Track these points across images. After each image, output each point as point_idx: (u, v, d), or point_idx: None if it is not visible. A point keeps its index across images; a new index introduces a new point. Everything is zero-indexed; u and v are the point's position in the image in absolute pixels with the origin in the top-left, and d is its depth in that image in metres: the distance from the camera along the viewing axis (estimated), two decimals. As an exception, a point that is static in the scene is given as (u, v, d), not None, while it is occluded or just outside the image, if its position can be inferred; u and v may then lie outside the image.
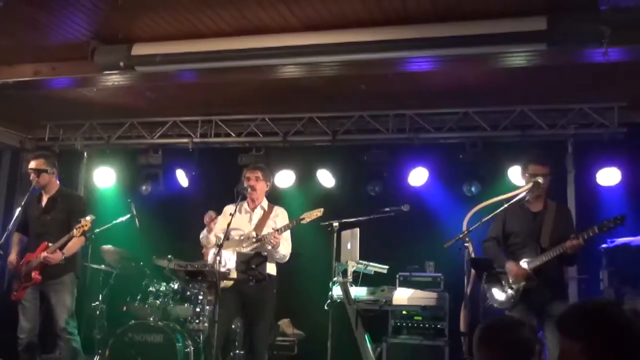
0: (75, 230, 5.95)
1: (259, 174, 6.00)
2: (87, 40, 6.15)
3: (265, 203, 6.05)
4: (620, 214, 4.86)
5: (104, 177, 8.74)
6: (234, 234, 5.77)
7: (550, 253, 5.07)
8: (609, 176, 6.89)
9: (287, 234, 5.91)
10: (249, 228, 5.87)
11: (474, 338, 2.59)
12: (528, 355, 2.56)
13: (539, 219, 5.34)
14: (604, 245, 6.43)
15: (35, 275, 5.99)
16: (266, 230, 5.84)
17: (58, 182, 6.39)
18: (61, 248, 6.01)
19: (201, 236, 6.12)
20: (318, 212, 5.80)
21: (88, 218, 6.05)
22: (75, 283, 6.25)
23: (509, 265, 5.24)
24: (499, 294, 5.23)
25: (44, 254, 5.96)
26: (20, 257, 6.24)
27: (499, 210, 5.15)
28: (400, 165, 7.71)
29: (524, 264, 5.17)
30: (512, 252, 5.36)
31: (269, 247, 5.66)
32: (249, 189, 5.86)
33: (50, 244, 6.01)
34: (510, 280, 5.19)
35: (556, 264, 5.17)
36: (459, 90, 6.96)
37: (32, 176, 6.28)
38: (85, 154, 8.95)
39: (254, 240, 5.71)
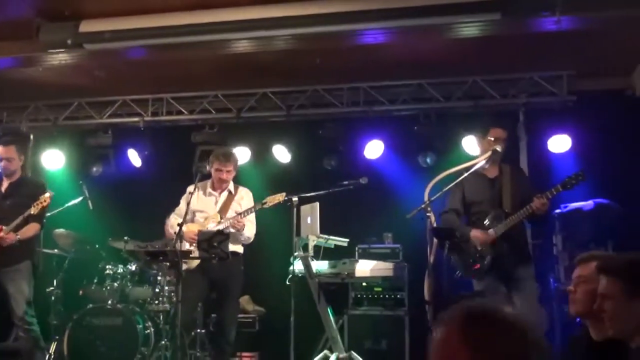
0: (33, 207, 5.82)
1: (231, 168, 5.96)
2: (30, 17, 5.94)
3: (231, 185, 6.02)
4: (580, 170, 5.00)
5: (52, 160, 8.50)
6: (199, 216, 5.72)
7: (517, 216, 5.17)
8: (559, 143, 7.02)
9: (251, 216, 5.90)
10: (214, 211, 5.83)
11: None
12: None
13: (497, 184, 5.43)
14: (557, 211, 6.60)
15: None
16: (231, 212, 5.82)
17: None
18: (16, 231, 5.86)
19: (168, 226, 6.02)
20: (280, 197, 5.81)
21: (47, 194, 5.92)
22: (32, 271, 6.11)
23: (474, 233, 5.31)
24: (468, 264, 5.31)
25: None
26: None
27: (457, 182, 5.19)
28: (355, 138, 7.71)
29: (490, 231, 5.25)
30: (476, 221, 5.44)
31: (234, 231, 5.64)
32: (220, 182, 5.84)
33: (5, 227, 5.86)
34: (479, 248, 5.26)
35: (521, 228, 5.27)
36: (413, 62, 6.97)
37: (3, 163, 6.10)
38: (31, 136, 8.67)
39: (217, 223, 5.68)
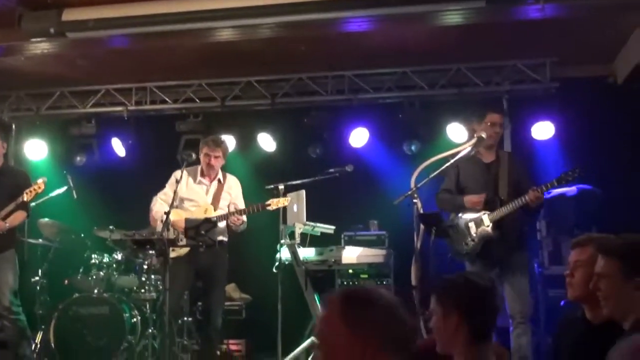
0: (25, 194, 5.76)
1: (220, 154, 5.92)
2: (12, 6, 5.87)
3: (220, 174, 6.02)
4: (576, 166, 5.08)
5: (35, 150, 8.43)
6: (188, 205, 5.71)
7: (510, 206, 5.18)
8: (543, 130, 7.08)
9: (242, 202, 5.94)
10: (204, 200, 5.82)
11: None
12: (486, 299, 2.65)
13: (493, 170, 5.44)
14: (540, 197, 6.64)
15: None
16: (222, 202, 5.86)
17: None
18: (4, 219, 5.81)
19: (153, 212, 6.01)
20: (285, 201, 5.80)
21: (40, 180, 5.87)
22: (16, 259, 6.07)
23: (467, 198, 5.34)
24: (459, 247, 5.34)
25: None
26: None
27: (448, 164, 5.21)
28: (340, 126, 7.72)
29: (484, 216, 5.27)
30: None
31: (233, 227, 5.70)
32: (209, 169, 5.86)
33: None
34: (472, 214, 5.28)
35: (516, 216, 5.29)
36: (397, 50, 6.99)
37: None
38: (13, 125, 8.59)
39: (214, 220, 5.67)
